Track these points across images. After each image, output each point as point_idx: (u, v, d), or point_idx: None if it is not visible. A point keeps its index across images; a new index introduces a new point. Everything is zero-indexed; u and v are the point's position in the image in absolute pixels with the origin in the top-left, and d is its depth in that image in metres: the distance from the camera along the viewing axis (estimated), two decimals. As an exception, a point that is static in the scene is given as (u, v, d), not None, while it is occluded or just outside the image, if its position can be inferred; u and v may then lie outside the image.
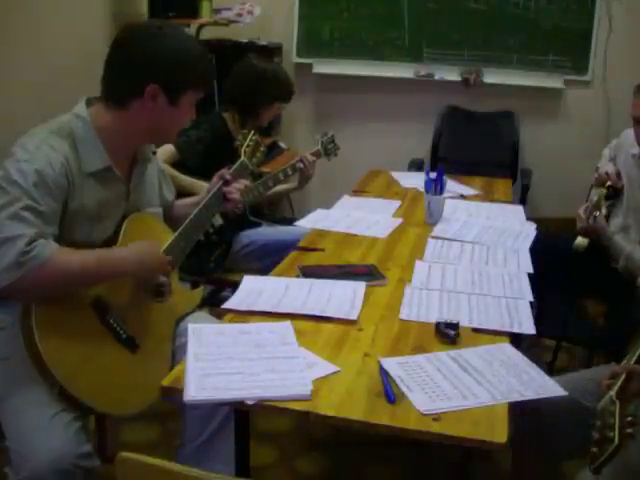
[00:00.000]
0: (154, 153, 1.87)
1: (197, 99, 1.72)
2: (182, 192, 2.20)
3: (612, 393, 1.33)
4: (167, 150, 2.47)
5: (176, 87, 1.64)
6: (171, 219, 1.96)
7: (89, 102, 1.66)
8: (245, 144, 2.09)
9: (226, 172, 2.00)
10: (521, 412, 1.54)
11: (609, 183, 2.61)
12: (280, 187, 2.86)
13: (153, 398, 1.58)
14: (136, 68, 1.60)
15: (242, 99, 2.68)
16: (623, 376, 1.36)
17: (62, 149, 1.56)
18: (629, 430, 1.23)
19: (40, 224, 1.48)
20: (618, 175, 2.63)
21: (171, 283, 1.78)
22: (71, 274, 1.51)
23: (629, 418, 1.25)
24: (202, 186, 2.25)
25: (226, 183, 1.98)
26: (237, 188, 2.00)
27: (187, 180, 2.44)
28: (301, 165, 2.76)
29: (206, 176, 2.14)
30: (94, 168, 1.62)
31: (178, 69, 1.62)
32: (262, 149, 2.13)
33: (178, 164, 2.50)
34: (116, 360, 1.61)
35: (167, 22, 1.78)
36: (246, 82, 2.68)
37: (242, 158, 2.05)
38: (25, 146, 1.54)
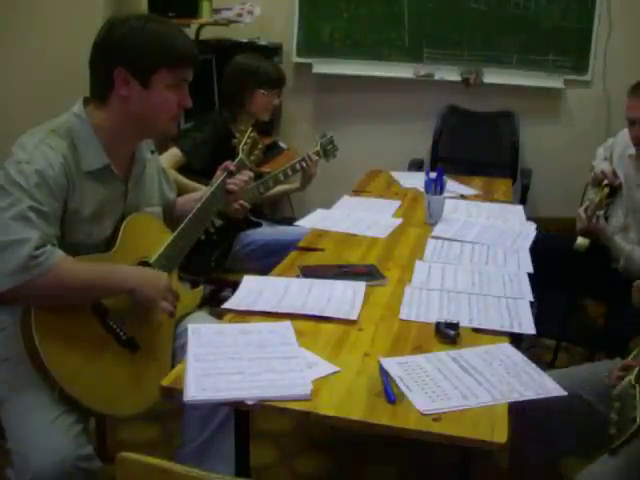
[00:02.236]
0: (153, 152, 1.87)
1: (180, 79, 1.65)
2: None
3: (631, 377, 1.35)
4: (173, 154, 2.48)
5: (144, 68, 1.59)
6: (173, 218, 1.95)
7: (86, 102, 1.65)
8: (243, 142, 2.07)
9: (230, 163, 1.98)
10: (522, 412, 1.54)
11: (606, 182, 2.61)
12: (281, 187, 2.86)
13: (154, 399, 1.58)
14: (102, 56, 1.60)
15: (227, 93, 2.75)
16: (637, 369, 1.37)
17: (61, 148, 1.56)
18: None
19: (44, 225, 1.48)
20: (614, 173, 2.63)
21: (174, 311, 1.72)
22: (71, 286, 1.51)
23: None
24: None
25: (230, 175, 1.97)
26: (241, 180, 1.99)
27: (195, 185, 2.43)
28: (304, 164, 2.76)
29: (212, 177, 2.14)
30: (92, 167, 1.62)
31: (142, 48, 1.58)
32: (260, 147, 2.12)
33: (184, 167, 2.50)
34: (116, 362, 1.60)
35: (146, 14, 1.76)
36: (229, 76, 2.74)
37: (240, 156, 2.04)
38: (24, 146, 1.54)
